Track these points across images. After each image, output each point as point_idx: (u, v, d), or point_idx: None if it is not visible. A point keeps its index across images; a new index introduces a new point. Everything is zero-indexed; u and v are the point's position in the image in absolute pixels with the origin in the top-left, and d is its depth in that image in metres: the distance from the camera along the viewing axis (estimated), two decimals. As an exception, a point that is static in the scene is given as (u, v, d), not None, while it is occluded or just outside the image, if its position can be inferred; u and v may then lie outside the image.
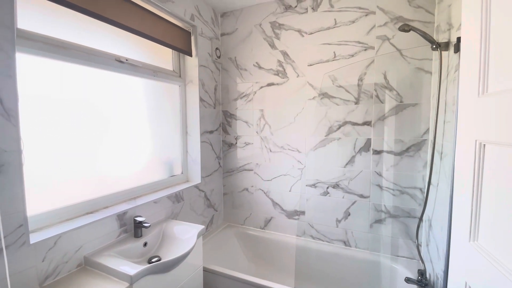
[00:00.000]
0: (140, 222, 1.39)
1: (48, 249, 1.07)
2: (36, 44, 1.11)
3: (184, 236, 1.49)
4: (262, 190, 2.22)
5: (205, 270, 1.66)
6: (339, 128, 1.87)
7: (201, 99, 2.01)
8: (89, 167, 1.37)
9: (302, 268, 1.91)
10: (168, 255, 1.37)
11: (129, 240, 1.38)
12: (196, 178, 2.06)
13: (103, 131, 1.44)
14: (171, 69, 1.93)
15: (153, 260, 1.34)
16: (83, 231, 1.20)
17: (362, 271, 1.84)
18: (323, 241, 2.02)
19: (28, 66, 1.10)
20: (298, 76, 1.98)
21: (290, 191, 2.11)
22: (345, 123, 1.85)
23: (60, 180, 1.25)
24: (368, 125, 1.79)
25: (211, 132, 2.17)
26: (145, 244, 1.42)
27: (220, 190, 2.35)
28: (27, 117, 1.08)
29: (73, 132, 1.29)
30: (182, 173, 2.05)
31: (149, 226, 1.39)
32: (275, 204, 2.18)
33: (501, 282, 0.58)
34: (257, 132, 2.18)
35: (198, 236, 1.48)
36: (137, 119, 1.66)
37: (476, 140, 0.68)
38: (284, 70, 2.03)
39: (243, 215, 2.32)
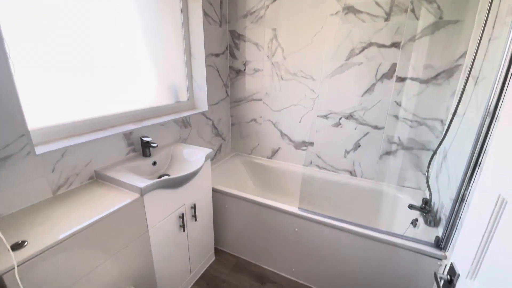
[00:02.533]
0: (148, 142, 1.36)
1: (56, 161, 1.05)
2: None
3: (193, 158, 1.48)
4: (271, 121, 2.15)
5: (214, 190, 1.72)
6: (362, 50, 1.65)
7: (205, 13, 1.76)
8: (89, 86, 1.27)
9: (307, 194, 1.97)
10: (177, 174, 1.38)
11: (138, 159, 1.37)
12: (202, 105, 1.97)
13: (101, 51, 1.29)
14: (170, -28, 1.63)
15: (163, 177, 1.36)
16: (90, 146, 1.18)
17: (365, 199, 1.89)
18: (329, 170, 2.03)
19: None
20: (320, -15, 1.67)
21: (300, 122, 2.03)
22: (370, 44, 1.62)
23: (61, 97, 1.16)
24: (396, 47, 1.57)
25: (217, 55, 1.98)
26: (154, 163, 1.42)
27: (227, 120, 2.29)
28: (23, 28, 0.93)
29: (73, 51, 1.15)
30: (188, 99, 1.95)
31: (157, 146, 1.37)
32: (283, 135, 2.14)
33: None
34: (268, 56, 1.98)
35: (207, 159, 1.47)
36: (135, 37, 1.47)
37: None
38: (304, -23, 1.70)
39: (251, 145, 2.31)
